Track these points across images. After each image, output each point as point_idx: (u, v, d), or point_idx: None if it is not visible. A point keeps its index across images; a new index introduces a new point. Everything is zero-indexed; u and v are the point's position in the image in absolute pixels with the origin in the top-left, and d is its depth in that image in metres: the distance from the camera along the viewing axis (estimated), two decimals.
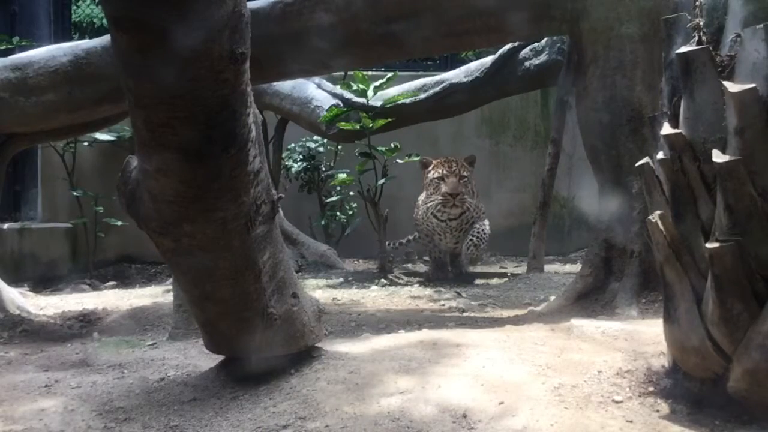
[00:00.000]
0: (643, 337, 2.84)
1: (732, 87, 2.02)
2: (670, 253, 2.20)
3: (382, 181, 6.28)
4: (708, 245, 2.06)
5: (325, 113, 6.17)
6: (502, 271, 6.69)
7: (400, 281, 6.15)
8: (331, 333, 3.57)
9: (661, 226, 2.20)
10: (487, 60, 6.06)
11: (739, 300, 2.05)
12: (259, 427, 2.35)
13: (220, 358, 2.87)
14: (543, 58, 5.85)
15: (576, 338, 2.96)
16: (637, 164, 2.38)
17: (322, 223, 7.63)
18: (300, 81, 6.41)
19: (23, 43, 6.05)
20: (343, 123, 6.11)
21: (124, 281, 6.99)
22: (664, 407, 2.27)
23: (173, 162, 2.19)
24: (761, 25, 2.03)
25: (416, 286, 5.77)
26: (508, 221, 8.31)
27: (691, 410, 2.22)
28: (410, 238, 7.27)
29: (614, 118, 3.80)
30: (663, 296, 2.32)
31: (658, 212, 2.23)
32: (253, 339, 2.61)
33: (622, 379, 2.45)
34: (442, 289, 5.47)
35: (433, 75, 6.50)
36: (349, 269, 6.94)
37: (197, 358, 3.08)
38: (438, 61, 8.69)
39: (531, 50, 5.89)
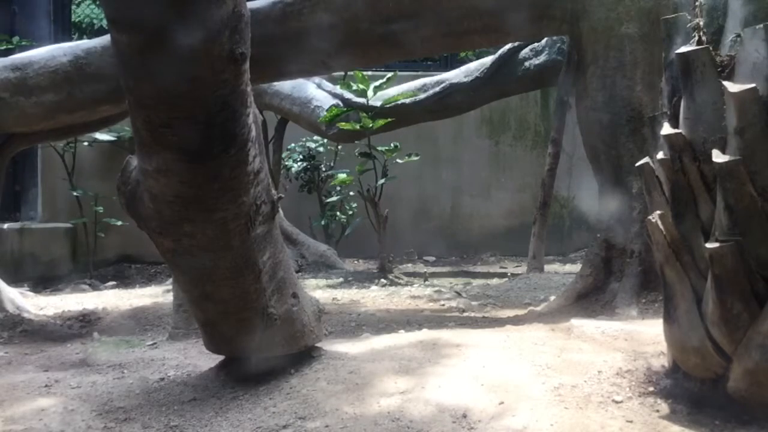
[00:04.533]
0: (643, 337, 2.84)
1: (732, 87, 2.02)
2: (670, 253, 2.20)
3: (382, 181, 6.28)
4: (708, 245, 2.06)
5: (325, 113, 6.17)
6: (502, 271, 6.69)
7: (400, 281, 6.15)
8: (331, 333, 3.57)
9: (661, 226, 2.20)
10: (487, 60, 6.06)
11: (739, 300, 2.05)
12: (259, 427, 2.35)
13: (220, 358, 2.87)
14: (543, 58, 5.85)
15: (576, 338, 2.96)
16: (637, 164, 2.38)
17: (322, 223, 7.63)
18: (300, 81, 6.40)
19: (23, 43, 6.06)
20: (343, 123, 6.11)
21: (124, 281, 6.99)
22: (664, 407, 2.27)
23: (173, 162, 2.19)
24: (761, 25, 2.03)
25: (416, 286, 5.77)
26: (508, 221, 8.31)
27: (691, 410, 2.22)
28: None
29: (614, 118, 3.80)
30: (663, 296, 2.32)
31: (658, 212, 2.22)
32: (253, 339, 2.61)
33: (622, 379, 2.45)
34: (443, 289, 5.46)
35: (433, 75, 6.50)
36: (349, 269, 6.93)
37: (197, 358, 3.08)
38: (438, 61, 8.69)
39: (531, 50, 5.89)
